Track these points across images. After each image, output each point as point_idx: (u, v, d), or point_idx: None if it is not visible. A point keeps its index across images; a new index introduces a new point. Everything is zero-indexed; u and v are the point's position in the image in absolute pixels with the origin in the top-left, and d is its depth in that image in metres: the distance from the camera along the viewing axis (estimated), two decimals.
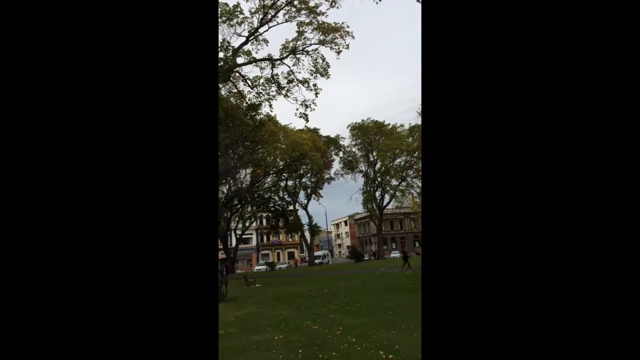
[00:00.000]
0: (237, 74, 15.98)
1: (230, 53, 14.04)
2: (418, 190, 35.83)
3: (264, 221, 41.82)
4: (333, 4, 14.68)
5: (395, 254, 37.90)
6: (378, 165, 36.17)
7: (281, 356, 4.33)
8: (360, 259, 34.34)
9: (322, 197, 35.56)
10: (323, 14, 15.12)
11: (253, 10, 14.75)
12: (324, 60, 16.11)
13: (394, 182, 35.76)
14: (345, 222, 61.33)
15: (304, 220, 36.64)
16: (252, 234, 44.91)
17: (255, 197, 29.75)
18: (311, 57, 16.06)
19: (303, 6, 14.82)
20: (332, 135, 36.41)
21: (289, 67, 16.23)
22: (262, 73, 18.65)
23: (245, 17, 14.84)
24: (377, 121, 35.16)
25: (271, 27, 15.15)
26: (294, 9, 14.91)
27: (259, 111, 17.41)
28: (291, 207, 34.87)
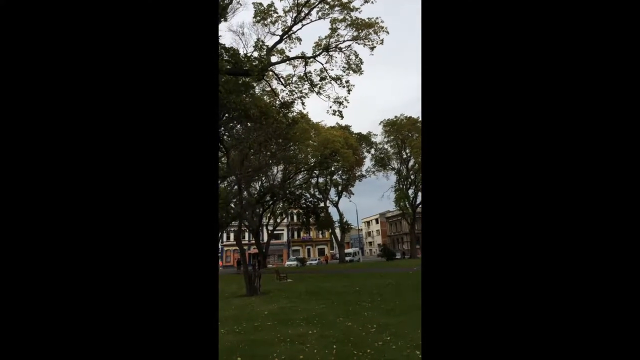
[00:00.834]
0: (271, 73, 16.25)
1: (265, 52, 14.28)
2: None
3: (295, 217, 42.37)
4: None
5: None
6: (411, 163, 35.39)
7: (315, 350, 4.38)
8: (392, 258, 33.87)
9: (353, 194, 35.44)
10: (357, 9, 14.98)
11: (287, 9, 14.90)
12: (357, 56, 15.98)
13: None
14: (377, 220, 60.67)
15: (335, 217, 36.75)
16: (283, 230, 45.62)
17: (287, 193, 30.18)
18: (344, 53, 15.99)
19: (337, 2, 14.76)
20: (364, 132, 36.13)
21: (322, 64, 16.27)
22: (294, 71, 18.88)
23: (279, 16, 15.03)
24: (410, 117, 34.39)
25: (305, 25, 15.25)
26: (327, 6, 14.90)
27: (292, 109, 17.61)
28: (322, 204, 35.04)
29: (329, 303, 8.28)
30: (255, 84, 15.50)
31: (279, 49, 15.47)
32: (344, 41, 15.85)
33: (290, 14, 14.94)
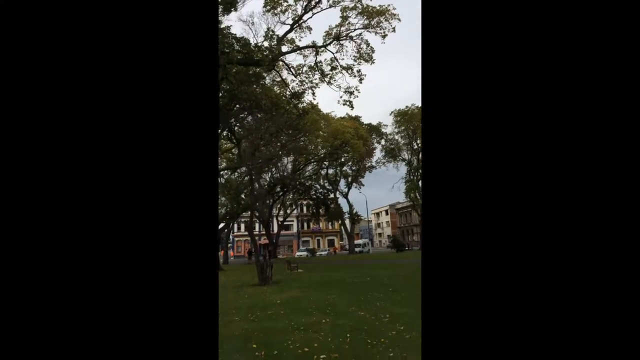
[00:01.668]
0: (281, 63, 16.15)
1: (275, 42, 14.17)
2: None
3: (305, 209, 42.55)
4: None
5: None
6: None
7: (329, 339, 4.42)
8: (402, 249, 33.84)
9: (363, 185, 35.37)
10: None
11: None
12: (368, 45, 15.76)
13: None
14: (386, 212, 60.53)
15: (345, 208, 36.79)
16: (293, 221, 45.93)
17: (297, 184, 30.27)
18: (355, 42, 15.78)
19: None
20: (374, 123, 35.83)
21: (333, 53, 16.09)
22: (305, 61, 18.69)
23: (290, 5, 14.87)
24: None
25: (315, 13, 15.06)
26: None
27: (302, 99, 17.52)
28: (332, 195, 35.07)
29: (341, 293, 8.33)
30: (265, 74, 15.44)
31: (289, 38, 15.38)
32: (354, 29, 15.65)
33: (301, 2, 14.78)
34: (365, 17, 15.31)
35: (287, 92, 17.36)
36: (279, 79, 17.53)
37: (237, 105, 16.38)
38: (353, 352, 3.87)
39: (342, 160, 32.21)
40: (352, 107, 16.74)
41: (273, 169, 24.68)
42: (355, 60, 15.84)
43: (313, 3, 14.65)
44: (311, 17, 15.18)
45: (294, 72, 16.42)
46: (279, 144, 18.71)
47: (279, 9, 14.87)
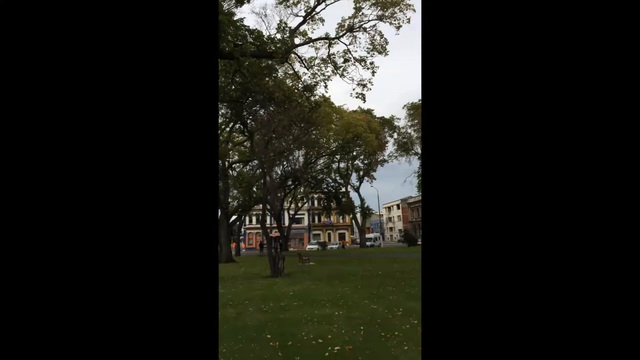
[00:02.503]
0: (294, 55, 16.05)
1: (288, 34, 14.08)
2: None
3: (316, 202, 42.63)
4: None
5: None
6: None
7: (343, 331, 4.42)
8: (413, 243, 33.64)
9: (375, 179, 35.18)
10: None
11: None
12: (381, 36, 15.51)
13: None
14: (398, 206, 60.17)
15: (356, 202, 36.69)
16: (304, 214, 46.10)
17: (309, 178, 30.30)
18: (369, 34, 15.54)
19: None
20: (387, 116, 35.45)
21: (346, 45, 15.90)
22: (317, 53, 18.56)
23: None
24: None
25: (328, 5, 14.87)
26: None
27: (314, 92, 17.42)
28: (343, 189, 35.01)
29: (353, 286, 8.34)
30: (278, 67, 15.39)
31: (302, 30, 15.22)
32: (368, 21, 15.39)
33: None
34: (379, 8, 15.05)
35: (300, 85, 17.29)
36: (291, 72, 17.45)
37: (250, 98, 16.40)
38: (367, 344, 3.86)
39: (354, 153, 32.05)
40: (364, 100, 16.60)
41: (285, 162, 24.72)
42: (368, 52, 15.65)
43: None
44: (324, 8, 14.99)
45: (306, 65, 16.31)
46: (291, 137, 18.69)
47: (291, 1, 14.74)
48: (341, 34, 15.60)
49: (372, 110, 33.58)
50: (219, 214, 20.79)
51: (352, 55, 15.80)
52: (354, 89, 16.39)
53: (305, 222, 47.85)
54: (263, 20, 17.74)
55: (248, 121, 18.48)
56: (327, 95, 22.28)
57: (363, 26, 15.48)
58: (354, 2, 14.93)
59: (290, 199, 35.20)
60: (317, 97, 18.06)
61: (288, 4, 14.81)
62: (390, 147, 35.66)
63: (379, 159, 34.30)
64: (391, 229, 63.13)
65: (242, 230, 40.54)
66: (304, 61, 16.32)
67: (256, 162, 18.89)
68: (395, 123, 35.62)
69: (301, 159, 27.99)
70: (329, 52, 15.92)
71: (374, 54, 15.63)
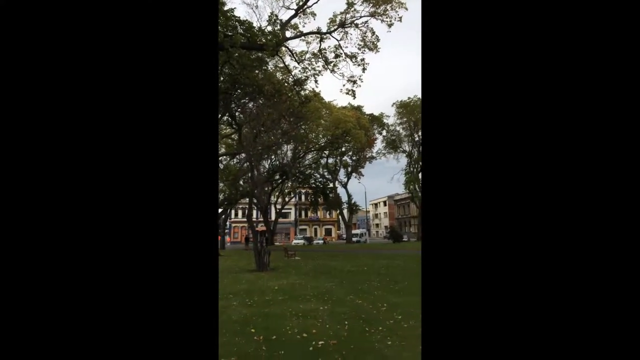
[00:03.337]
0: (284, 48, 15.87)
1: (279, 27, 13.90)
2: None
3: (303, 197, 42.61)
4: None
5: None
6: None
7: (328, 326, 4.44)
8: (399, 240, 34.05)
9: (362, 175, 35.34)
10: None
11: None
12: (373, 33, 15.49)
13: None
14: (384, 203, 60.71)
15: (343, 198, 36.84)
16: (291, 208, 46.04)
17: (297, 172, 30.24)
18: (360, 30, 15.50)
19: None
20: (376, 113, 35.60)
21: (337, 40, 15.82)
22: (308, 48, 18.44)
23: None
24: None
25: None
26: None
27: (305, 86, 17.31)
28: (331, 185, 35.07)
29: (338, 281, 8.38)
30: (268, 60, 15.22)
31: (293, 24, 15.03)
32: (360, 17, 15.32)
33: None
34: (371, 4, 15.00)
35: (290, 79, 17.13)
36: (281, 65, 17.27)
37: (239, 90, 16.18)
38: (351, 339, 3.89)
39: (343, 149, 32.11)
40: (354, 96, 16.55)
41: (273, 156, 24.61)
42: (359, 49, 15.61)
43: None
44: (316, 2, 14.84)
45: (297, 59, 16.17)
46: (279, 131, 18.58)
47: None
48: (333, 29, 15.51)
49: (362, 106, 33.67)
50: None
51: (343, 50, 15.74)
52: (344, 85, 16.45)
53: (292, 217, 47.82)
54: (254, 12, 17.59)
55: (236, 113, 18.24)
56: (317, 90, 22.09)
57: (355, 22, 15.43)
58: None
59: (277, 193, 35.08)
60: (307, 91, 17.95)
61: None
62: (379, 144, 35.93)
63: (367, 156, 34.49)
64: (377, 225, 63.73)
65: (228, 223, 40.22)
66: (294, 55, 16.18)
67: (244, 155, 18.70)
68: (385, 120, 35.83)
69: (289, 154, 27.89)
70: (320, 46, 15.81)
71: (365, 50, 15.62)
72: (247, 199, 20.32)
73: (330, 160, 34.49)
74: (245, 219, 30.67)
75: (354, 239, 36.69)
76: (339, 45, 15.77)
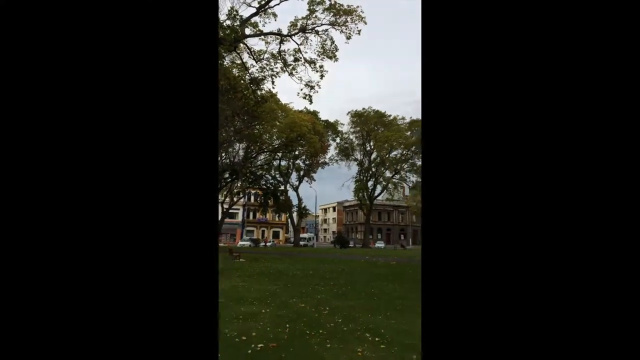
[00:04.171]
0: (243, 45, 15.56)
1: (238, 23, 13.61)
2: (411, 185, 36.13)
3: (253, 198, 41.79)
4: None
5: (380, 244, 38.54)
6: (374, 156, 36.24)
7: (268, 328, 4.40)
8: (345, 246, 34.76)
9: (314, 180, 35.62)
10: None
11: None
12: (332, 42, 15.80)
13: (388, 174, 35.98)
14: (334, 208, 61.68)
15: (294, 201, 36.79)
16: (239, 209, 44.88)
17: (247, 173, 29.61)
18: (320, 37, 15.73)
19: None
20: (331, 120, 36.21)
21: (297, 44, 15.90)
22: (267, 47, 18.27)
23: None
24: (378, 111, 34.95)
25: (282, 0, 14.73)
26: None
27: (261, 86, 17.08)
28: (282, 187, 34.86)
29: (283, 284, 8.34)
30: (225, 55, 14.80)
31: (253, 22, 14.84)
32: (321, 24, 15.56)
33: None
34: (332, 14, 15.32)
35: (247, 77, 16.82)
36: (239, 62, 16.89)
37: None
38: (291, 342, 3.89)
39: (297, 153, 32.12)
40: (311, 101, 16.67)
41: (223, 154, 23.85)
42: (319, 56, 15.82)
43: None
44: (278, 4, 14.80)
45: (255, 57, 15.93)
46: (232, 128, 18.09)
47: None
48: (293, 32, 15.55)
49: (318, 112, 34.01)
50: None
51: (302, 55, 15.85)
52: (301, 89, 16.47)
53: (240, 218, 46.64)
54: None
55: None
56: (274, 91, 21.95)
57: (315, 29, 15.63)
58: (308, 3, 15.01)
59: (225, 192, 33.99)
60: (263, 91, 17.74)
61: None
62: (332, 151, 36.52)
63: (320, 161, 34.83)
64: (325, 230, 64.47)
65: None
66: (253, 53, 15.94)
67: None
68: (339, 128, 36.57)
69: (241, 153, 27.24)
70: (279, 48, 15.78)
71: (324, 57, 15.86)
72: None
73: (283, 163, 34.34)
74: None
75: (302, 243, 36.78)
76: (299, 49, 15.87)
